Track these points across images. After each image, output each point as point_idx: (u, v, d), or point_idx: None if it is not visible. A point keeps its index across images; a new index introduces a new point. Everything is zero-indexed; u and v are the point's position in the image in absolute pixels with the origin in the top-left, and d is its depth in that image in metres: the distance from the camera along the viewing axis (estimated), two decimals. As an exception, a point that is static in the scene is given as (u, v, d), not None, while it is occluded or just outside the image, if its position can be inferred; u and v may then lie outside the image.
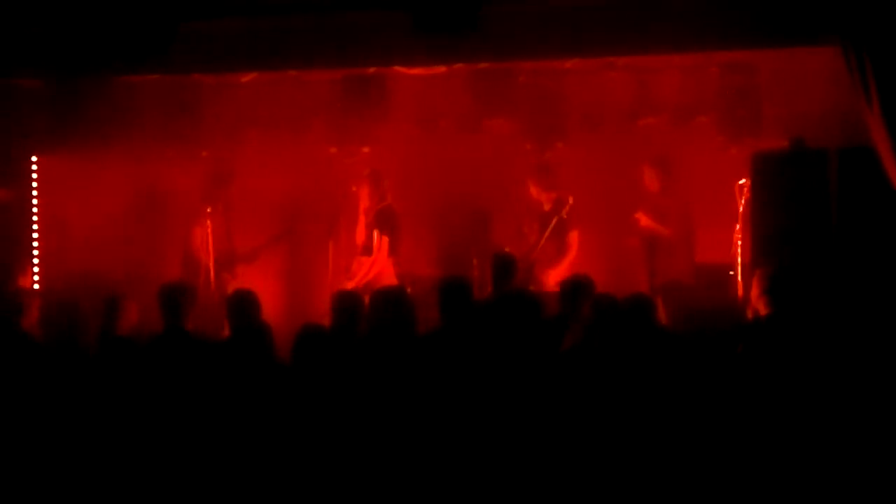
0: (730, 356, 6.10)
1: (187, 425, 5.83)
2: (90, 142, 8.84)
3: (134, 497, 5.74)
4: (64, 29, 7.90)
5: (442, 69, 8.73)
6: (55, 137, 9.06)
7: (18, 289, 8.89)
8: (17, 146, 9.32)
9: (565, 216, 8.98)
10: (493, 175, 9.57)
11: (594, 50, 8.10)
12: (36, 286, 9.37)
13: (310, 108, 9.26)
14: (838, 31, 6.95)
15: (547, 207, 9.17)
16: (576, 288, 6.76)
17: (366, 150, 9.15)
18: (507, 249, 8.37)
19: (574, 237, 9.14)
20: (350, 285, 8.97)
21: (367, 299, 6.66)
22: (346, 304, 6.61)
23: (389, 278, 8.97)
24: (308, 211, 9.79)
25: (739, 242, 8.31)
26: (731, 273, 8.40)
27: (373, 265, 9.14)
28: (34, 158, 9.56)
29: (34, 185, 9.55)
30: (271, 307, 7.52)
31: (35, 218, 9.52)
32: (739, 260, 8.29)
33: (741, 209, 8.32)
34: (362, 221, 9.36)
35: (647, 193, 9.12)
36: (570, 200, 8.98)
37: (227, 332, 6.70)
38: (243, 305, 6.61)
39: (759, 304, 6.58)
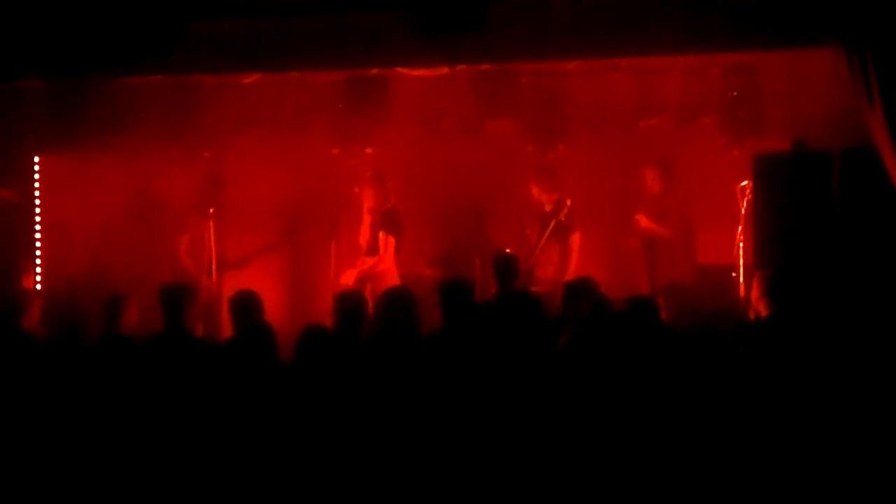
0: (731, 357, 6.10)
1: (188, 425, 5.83)
2: (93, 142, 8.84)
3: (135, 497, 5.74)
4: (67, 30, 7.89)
5: (444, 71, 8.73)
6: (58, 138, 9.03)
7: (20, 289, 8.90)
8: (19, 146, 9.30)
9: (563, 219, 8.96)
10: (495, 176, 9.58)
11: (596, 51, 8.10)
12: (38, 286, 9.38)
13: (312, 109, 9.23)
14: (840, 33, 6.96)
15: (548, 209, 9.15)
16: (578, 289, 6.76)
17: (368, 151, 9.15)
18: (508, 250, 8.37)
19: (576, 239, 9.11)
20: (350, 273, 9.04)
21: (364, 293, 6.66)
22: (349, 304, 6.61)
23: (393, 278, 8.97)
24: (310, 212, 9.79)
25: (741, 244, 8.31)
26: (734, 275, 8.40)
27: (377, 264, 9.14)
28: (37, 159, 9.56)
29: (36, 185, 9.55)
30: (274, 308, 7.52)
31: (37, 218, 9.52)
32: (741, 261, 8.29)
33: (743, 211, 8.32)
34: (366, 222, 9.35)
35: (649, 195, 9.12)
36: (569, 203, 8.97)
37: (227, 332, 6.70)
38: (246, 306, 6.62)
39: (759, 306, 6.59)
